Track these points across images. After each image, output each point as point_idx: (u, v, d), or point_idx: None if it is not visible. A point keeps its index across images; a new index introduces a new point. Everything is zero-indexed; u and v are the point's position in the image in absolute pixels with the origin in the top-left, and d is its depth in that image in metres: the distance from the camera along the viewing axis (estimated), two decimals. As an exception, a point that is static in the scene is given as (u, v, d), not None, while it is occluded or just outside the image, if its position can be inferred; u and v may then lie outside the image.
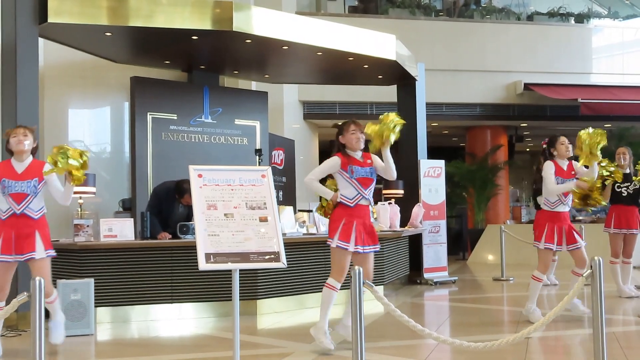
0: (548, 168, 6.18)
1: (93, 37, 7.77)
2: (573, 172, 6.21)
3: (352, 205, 5.25)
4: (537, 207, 9.16)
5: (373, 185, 5.38)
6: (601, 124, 16.10)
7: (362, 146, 5.36)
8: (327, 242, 5.31)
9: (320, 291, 7.35)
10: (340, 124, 5.44)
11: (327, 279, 5.34)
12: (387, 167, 5.35)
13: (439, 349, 5.14)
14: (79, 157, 5.02)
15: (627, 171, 7.67)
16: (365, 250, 5.27)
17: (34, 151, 5.27)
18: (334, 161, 5.30)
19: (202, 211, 4.20)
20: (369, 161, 5.37)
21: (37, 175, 5.14)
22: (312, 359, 4.93)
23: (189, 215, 7.07)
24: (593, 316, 3.80)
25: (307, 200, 11.60)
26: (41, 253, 5.10)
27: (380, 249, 7.95)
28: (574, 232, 6.19)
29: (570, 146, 6.23)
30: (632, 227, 7.75)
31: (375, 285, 4.35)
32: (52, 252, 5.21)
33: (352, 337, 3.73)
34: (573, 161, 6.31)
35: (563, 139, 6.27)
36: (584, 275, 3.92)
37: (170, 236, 6.91)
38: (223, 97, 9.78)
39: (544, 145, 6.38)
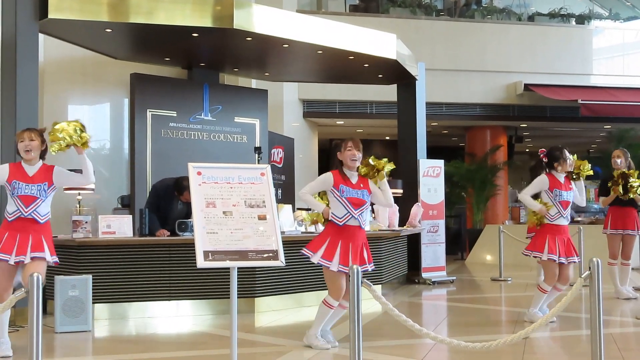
0: (539, 181, 6.21)
1: (93, 34, 7.77)
2: (570, 186, 6.23)
3: (340, 224, 5.24)
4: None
5: (365, 207, 5.32)
6: (601, 126, 16.14)
7: (357, 164, 5.33)
8: (304, 252, 5.31)
9: (318, 289, 7.43)
10: (339, 141, 5.48)
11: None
12: (384, 195, 5.42)
13: (437, 349, 5.14)
14: (74, 132, 4.98)
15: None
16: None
17: (42, 154, 5.17)
18: (327, 177, 5.32)
19: (201, 209, 4.20)
20: (362, 185, 5.33)
21: (47, 179, 5.07)
22: (310, 357, 4.93)
23: (187, 213, 7.07)
24: (591, 317, 3.80)
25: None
26: (49, 257, 5.04)
27: (379, 248, 7.97)
28: (572, 247, 6.21)
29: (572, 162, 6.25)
30: (630, 228, 7.76)
31: (373, 284, 4.35)
32: (56, 259, 5.15)
33: (350, 335, 3.73)
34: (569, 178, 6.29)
35: (568, 154, 6.23)
36: (581, 277, 3.92)
37: (168, 233, 6.91)
38: (223, 94, 9.77)
39: (544, 159, 6.32)
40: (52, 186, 5.10)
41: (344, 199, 5.23)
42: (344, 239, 5.21)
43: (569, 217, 6.29)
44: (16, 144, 5.14)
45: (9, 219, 5.01)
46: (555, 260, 6.09)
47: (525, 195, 6.25)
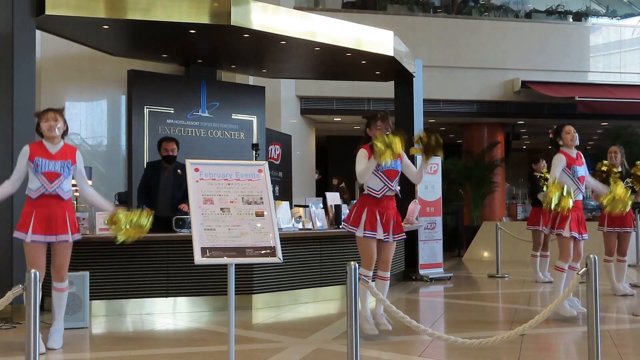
0: (557, 160, 6.22)
1: (90, 30, 7.75)
2: (582, 161, 6.28)
3: (378, 196, 5.41)
4: (534, 203, 9.25)
5: (398, 177, 5.50)
6: (598, 123, 16.17)
7: None
8: (344, 226, 5.50)
9: (316, 286, 7.44)
10: (369, 116, 5.59)
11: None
12: (419, 173, 5.57)
13: (434, 345, 5.15)
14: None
15: (620, 169, 7.70)
16: (387, 239, 5.41)
17: (64, 134, 5.24)
18: (364, 153, 5.40)
19: (198, 205, 4.20)
20: None
21: (70, 157, 5.16)
22: (308, 354, 4.94)
23: (174, 182, 7.31)
24: (587, 314, 3.82)
25: (303, 195, 11.62)
26: (71, 238, 5.18)
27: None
28: (584, 224, 6.26)
29: (576, 135, 6.27)
30: (626, 225, 7.77)
31: (371, 281, 4.36)
32: (78, 236, 5.28)
33: (347, 332, 3.73)
34: (581, 153, 6.37)
35: (569, 128, 6.30)
36: (579, 272, 3.93)
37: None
38: (220, 91, 9.77)
39: (551, 135, 6.43)
40: (74, 165, 5.20)
41: (380, 172, 5.37)
42: (381, 209, 5.39)
43: (584, 192, 6.32)
44: (37, 122, 5.19)
45: (33, 197, 5.06)
46: (576, 238, 6.15)
47: (553, 174, 6.18)
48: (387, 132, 5.38)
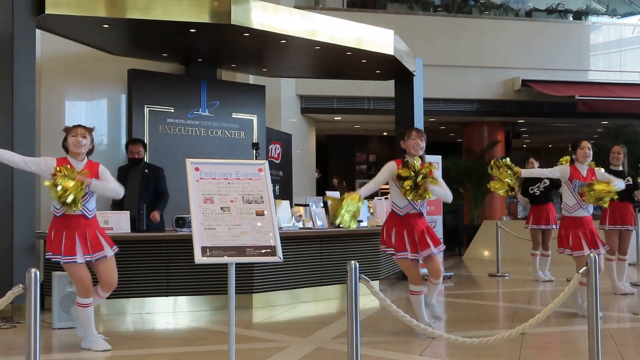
0: (558, 167, 6.35)
1: (90, 29, 7.75)
2: (593, 178, 6.26)
3: (402, 214, 5.44)
4: (530, 202, 9.37)
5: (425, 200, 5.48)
6: (598, 121, 16.18)
7: (422, 153, 5.56)
8: (385, 250, 5.56)
9: (316, 285, 7.45)
10: (403, 130, 5.64)
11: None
12: (440, 197, 5.64)
13: (434, 344, 5.15)
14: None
15: (621, 169, 7.70)
16: (429, 253, 5.44)
17: (89, 152, 5.18)
18: (391, 166, 5.45)
19: (198, 205, 4.20)
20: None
21: (94, 175, 5.09)
22: (308, 353, 4.94)
23: (142, 179, 7.54)
24: (588, 312, 3.82)
25: (304, 194, 11.62)
26: (109, 251, 5.13)
27: (377, 244, 7.97)
28: (597, 238, 6.19)
29: (589, 152, 6.29)
30: (627, 223, 7.78)
31: (371, 280, 4.36)
32: (116, 249, 5.25)
33: (348, 331, 3.74)
34: (596, 168, 6.38)
35: (583, 144, 6.32)
36: (579, 272, 3.93)
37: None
38: (220, 90, 9.76)
39: (570, 149, 6.48)
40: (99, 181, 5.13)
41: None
42: (408, 228, 5.41)
43: (590, 209, 6.30)
44: (65, 137, 5.13)
45: (57, 214, 5.02)
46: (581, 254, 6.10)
47: (540, 171, 6.50)
48: (421, 143, 5.50)
